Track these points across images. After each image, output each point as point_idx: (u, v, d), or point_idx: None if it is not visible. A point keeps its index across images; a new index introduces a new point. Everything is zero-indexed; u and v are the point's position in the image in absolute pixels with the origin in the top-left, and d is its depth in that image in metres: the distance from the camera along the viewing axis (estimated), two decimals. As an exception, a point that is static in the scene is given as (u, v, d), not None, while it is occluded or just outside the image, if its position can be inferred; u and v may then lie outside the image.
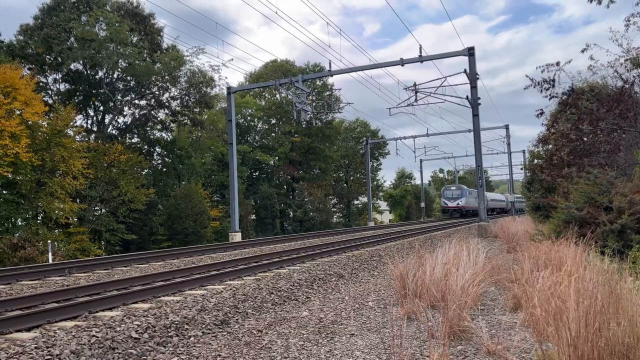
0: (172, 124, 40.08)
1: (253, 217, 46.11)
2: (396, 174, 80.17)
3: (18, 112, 24.07)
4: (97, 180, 30.11)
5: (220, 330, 6.83)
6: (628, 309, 4.12)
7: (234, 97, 31.71)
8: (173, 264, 13.99)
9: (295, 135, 53.77)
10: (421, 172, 68.83)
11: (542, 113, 15.65)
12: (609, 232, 9.91)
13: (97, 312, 7.06)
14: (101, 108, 36.38)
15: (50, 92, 34.29)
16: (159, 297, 8.25)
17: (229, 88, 31.36)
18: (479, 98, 26.26)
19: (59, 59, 32.30)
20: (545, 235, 12.03)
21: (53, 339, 5.60)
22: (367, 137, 59.74)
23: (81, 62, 33.24)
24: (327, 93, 52.24)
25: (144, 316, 6.70)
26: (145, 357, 5.66)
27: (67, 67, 32.86)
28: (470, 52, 25.98)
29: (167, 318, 6.70)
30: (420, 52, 26.49)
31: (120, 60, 33.60)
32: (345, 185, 64.71)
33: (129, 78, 35.76)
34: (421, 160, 65.86)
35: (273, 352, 5.59)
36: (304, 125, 49.44)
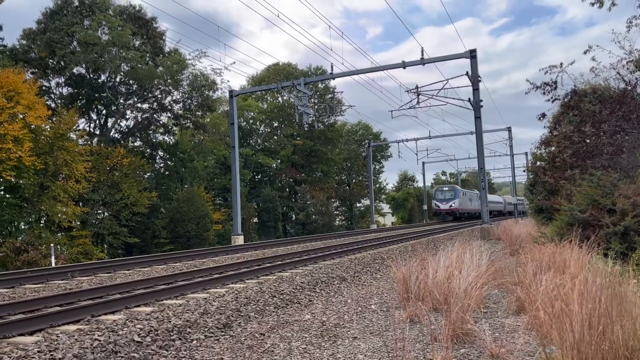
0: (174, 127, 40.15)
1: (255, 220, 46.11)
2: (398, 177, 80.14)
3: (21, 116, 24.15)
4: (100, 183, 30.17)
5: (223, 333, 6.83)
6: (632, 311, 4.10)
7: (236, 100, 31.77)
8: (175, 267, 14.00)
9: (298, 138, 53.80)
10: (423, 175, 69.05)
11: (544, 116, 15.62)
12: (612, 234, 9.87)
13: (99, 315, 7.07)
14: (104, 112, 36.48)
15: (53, 96, 34.40)
16: (162, 300, 8.25)
17: (231, 91, 31.41)
18: (481, 100, 26.24)
19: (62, 63, 32.41)
20: (548, 237, 11.99)
21: (55, 342, 5.61)
22: (369, 139, 59.70)
23: (84, 66, 33.35)
24: (329, 96, 52.28)
25: (146, 320, 6.70)
26: (147, 361, 5.65)
27: (70, 71, 32.97)
28: (472, 55, 25.97)
29: (170, 321, 6.70)
30: (422, 54, 26.50)
31: (122, 64, 33.69)
32: (347, 188, 64.69)
33: (131, 82, 35.86)
34: (423, 163, 65.96)
35: (275, 355, 5.58)
36: (306, 128, 49.49)
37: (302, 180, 54.93)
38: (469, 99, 26.73)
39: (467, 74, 26.30)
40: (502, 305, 7.51)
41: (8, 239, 23.97)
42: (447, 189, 55.08)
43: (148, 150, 39.70)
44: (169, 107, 38.12)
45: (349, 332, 6.45)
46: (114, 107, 35.57)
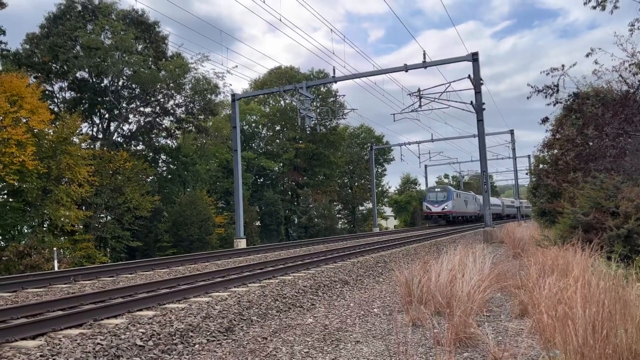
0: (177, 131, 40.24)
1: (258, 223, 46.13)
2: (401, 180, 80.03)
3: (24, 121, 24.23)
4: (103, 187, 30.23)
5: (225, 337, 6.82)
6: (635, 315, 4.08)
7: (239, 104, 31.81)
8: (178, 271, 14.00)
9: (300, 142, 53.86)
10: (426, 178, 68.68)
11: (546, 119, 15.61)
12: (615, 237, 9.83)
13: (102, 319, 7.07)
14: (106, 116, 36.60)
15: (56, 100, 34.55)
16: (164, 304, 8.24)
17: (233, 95, 31.46)
18: (484, 103, 26.23)
19: (65, 67, 32.55)
20: (551, 240, 11.96)
21: (58, 347, 5.61)
22: (371, 143, 59.71)
23: (87, 70, 33.49)
24: (332, 99, 52.33)
25: (148, 324, 6.69)
26: (149, 365, 5.65)
27: (73, 75, 33.10)
28: (474, 58, 25.97)
29: (172, 325, 6.69)
30: (424, 57, 26.52)
31: (125, 68, 33.81)
32: (350, 191, 64.68)
33: (134, 86, 35.98)
34: (426, 166, 65.72)
35: (278, 359, 5.57)
36: (308, 132, 49.56)
37: (304, 183, 54.96)
38: (472, 101, 26.72)
39: (469, 77, 26.30)
40: (505, 308, 7.48)
41: (11, 243, 24.02)
42: (439, 189, 50.98)
43: (151, 154, 39.80)
44: (172, 111, 38.23)
45: (351, 336, 6.43)
46: (116, 111, 35.68)
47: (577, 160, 16.32)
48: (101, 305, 7.72)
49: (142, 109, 37.42)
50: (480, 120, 26.31)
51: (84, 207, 29.68)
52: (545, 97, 14.15)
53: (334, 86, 53.87)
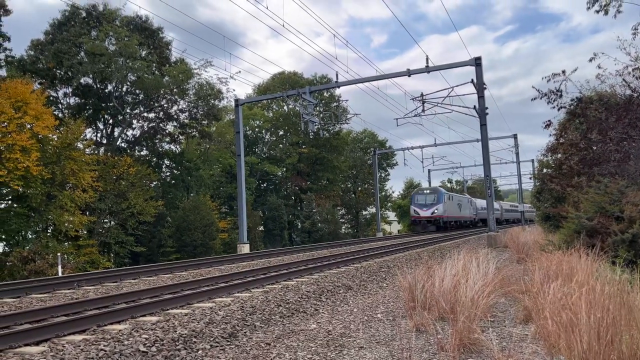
0: (180, 137, 40.39)
1: (261, 228, 46.15)
2: (404, 184, 79.95)
3: (29, 126, 24.35)
4: (107, 192, 30.32)
5: (229, 343, 6.80)
6: (641, 321, 4.06)
7: (242, 109, 31.89)
8: (181, 276, 14.00)
9: (303, 147, 53.93)
10: (429, 182, 68.54)
11: (550, 124, 15.58)
12: (620, 242, 9.79)
13: (105, 325, 7.07)
14: (110, 121, 36.76)
15: (60, 106, 34.73)
16: (167, 309, 8.24)
17: (236, 100, 31.55)
18: (487, 108, 26.24)
19: (69, 74, 32.75)
20: (555, 245, 11.91)
21: (61, 352, 5.61)
22: (374, 147, 59.68)
23: (91, 76, 33.67)
24: (335, 104, 52.38)
25: (152, 329, 6.69)
26: (153, 371, 5.64)
27: (77, 81, 33.29)
28: (477, 62, 26.00)
29: (175, 331, 6.69)
30: (427, 62, 26.53)
31: (129, 74, 33.98)
32: (353, 195, 64.64)
33: (137, 91, 36.15)
34: (429, 171, 65.64)
35: (281, 365, 5.55)
36: (311, 137, 49.63)
37: (307, 188, 54.97)
38: (475, 106, 26.72)
39: (472, 81, 26.31)
40: (510, 314, 7.45)
41: (15, 249, 24.11)
42: (428, 191, 45.52)
43: (154, 159, 39.93)
44: (175, 116, 38.39)
45: (355, 342, 6.41)
46: (120, 117, 35.84)
47: (581, 165, 16.27)
48: (105, 311, 7.73)
49: (145, 114, 37.59)
50: (483, 125, 26.29)
51: (87, 213, 29.76)
52: (548, 102, 14.14)
53: (337, 91, 54.08)
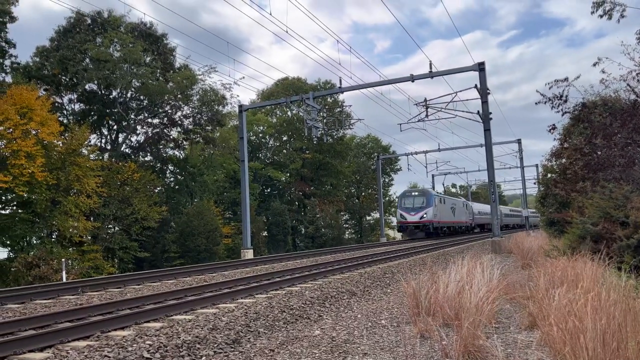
0: (184, 142, 40.54)
1: (265, 233, 46.15)
2: (408, 190, 79.88)
3: (34, 132, 24.49)
4: (111, 198, 30.41)
5: (232, 349, 6.79)
6: (647, 327, 4.03)
7: (246, 114, 31.97)
8: (185, 282, 13.99)
9: (307, 152, 54.00)
10: (433, 187, 68.38)
11: (554, 128, 15.55)
12: (625, 248, 9.74)
13: (109, 331, 7.06)
14: (115, 127, 36.94)
15: (65, 112, 34.94)
16: (171, 315, 8.23)
17: (240, 106, 31.63)
18: (491, 112, 26.18)
19: (74, 80, 32.95)
20: (560, 251, 11.86)
21: (66, 359, 5.61)
22: (378, 152, 59.66)
23: (96, 82, 33.88)
24: (338, 109, 52.51)
25: (155, 335, 6.68)
26: (157, 377, 5.63)
27: (82, 87, 33.52)
28: (480, 67, 25.97)
29: (179, 337, 6.68)
30: (431, 67, 26.54)
31: (133, 80, 34.18)
32: (357, 201, 64.61)
33: (142, 97, 36.34)
34: (433, 176, 65.45)
35: (285, 372, 5.53)
36: (315, 142, 49.62)
37: (311, 193, 54.98)
38: (478, 111, 26.68)
39: (475, 86, 26.28)
40: (515, 320, 7.41)
41: (20, 254, 24.17)
42: (416, 193, 40.66)
43: (158, 165, 40.05)
44: (179, 122, 38.54)
45: (359, 348, 6.39)
46: (124, 123, 36.00)
47: (586, 170, 16.21)
48: (109, 317, 7.73)
49: (150, 120, 37.78)
50: (487, 130, 26.24)
51: (92, 218, 29.86)
52: (552, 107, 14.12)
53: (341, 96, 54.17)
